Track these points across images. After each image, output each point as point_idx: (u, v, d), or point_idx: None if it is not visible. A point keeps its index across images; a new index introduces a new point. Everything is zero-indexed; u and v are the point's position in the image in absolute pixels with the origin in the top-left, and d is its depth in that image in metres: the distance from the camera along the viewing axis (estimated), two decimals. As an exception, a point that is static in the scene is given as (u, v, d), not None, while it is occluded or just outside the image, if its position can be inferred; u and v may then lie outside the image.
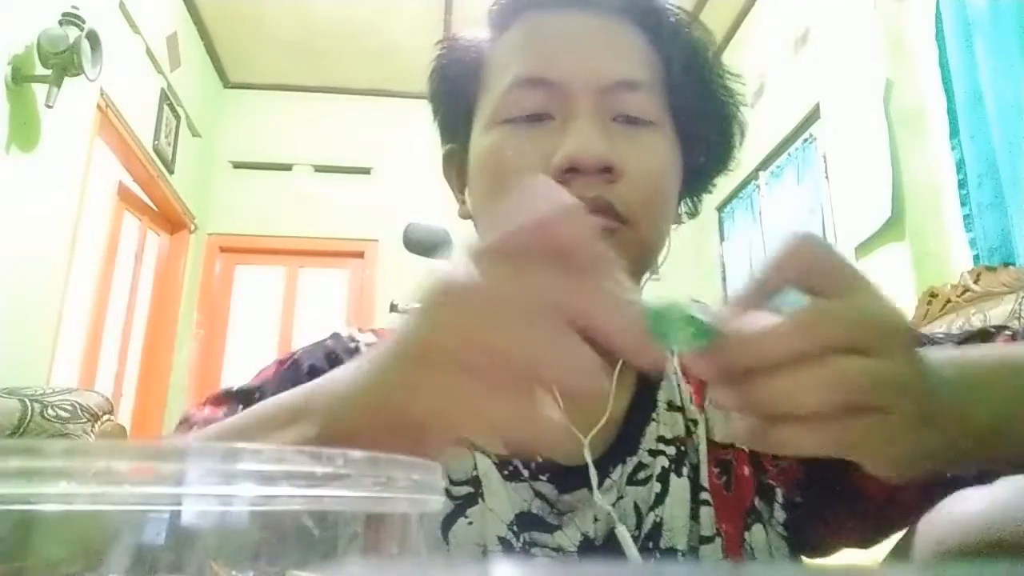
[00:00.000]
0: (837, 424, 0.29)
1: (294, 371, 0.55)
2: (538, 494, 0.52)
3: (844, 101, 2.69)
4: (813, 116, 2.94)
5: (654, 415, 0.56)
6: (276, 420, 0.34)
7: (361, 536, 0.20)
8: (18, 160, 2.31)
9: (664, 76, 0.55)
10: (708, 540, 0.52)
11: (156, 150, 3.45)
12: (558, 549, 0.50)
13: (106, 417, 1.32)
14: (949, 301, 1.23)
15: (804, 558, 0.56)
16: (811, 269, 0.31)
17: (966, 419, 0.33)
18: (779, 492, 0.54)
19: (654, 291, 0.39)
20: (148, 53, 3.31)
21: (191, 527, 0.17)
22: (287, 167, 4.41)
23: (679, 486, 0.53)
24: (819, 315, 0.30)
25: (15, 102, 2.28)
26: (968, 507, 0.42)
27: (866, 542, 0.53)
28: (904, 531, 0.47)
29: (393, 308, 2.21)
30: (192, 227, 4.04)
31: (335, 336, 0.59)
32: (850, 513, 0.52)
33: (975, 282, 1.20)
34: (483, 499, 0.51)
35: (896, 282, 2.23)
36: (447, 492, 0.50)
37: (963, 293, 1.22)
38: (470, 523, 0.50)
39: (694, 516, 0.52)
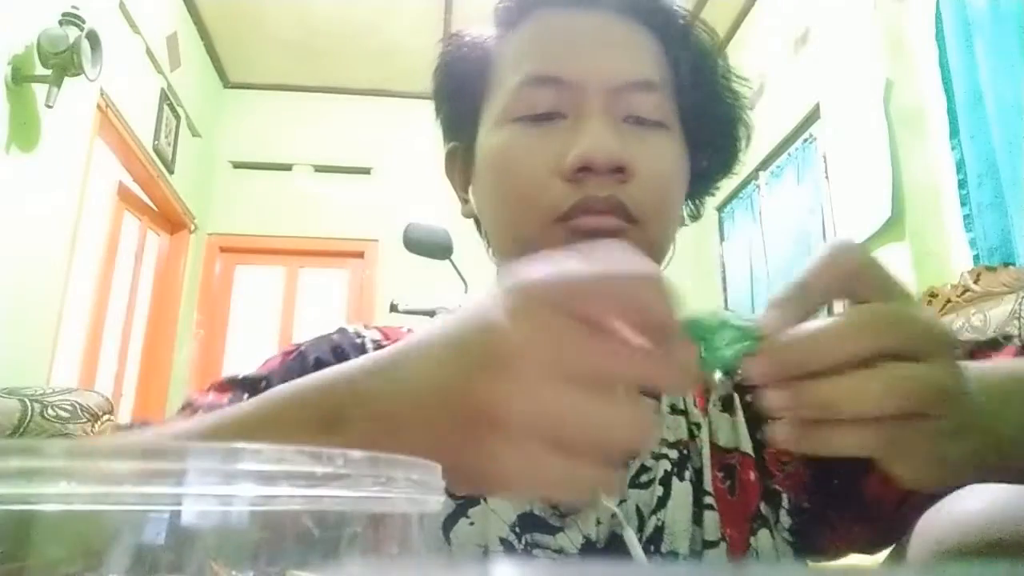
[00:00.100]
0: (885, 427, 0.29)
1: (300, 362, 0.55)
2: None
3: (844, 101, 2.69)
4: (813, 116, 2.94)
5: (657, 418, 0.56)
6: (301, 413, 0.32)
7: (361, 536, 0.20)
8: (18, 160, 2.31)
9: (673, 78, 0.55)
10: (712, 545, 0.51)
11: (156, 150, 3.45)
12: (560, 551, 0.50)
13: (106, 417, 1.32)
14: (949, 301, 1.23)
15: (809, 563, 0.56)
16: (853, 275, 0.31)
17: (989, 430, 0.33)
18: (785, 497, 0.54)
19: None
20: (148, 53, 3.31)
21: (191, 527, 0.17)
22: (287, 167, 4.41)
23: (681, 490, 0.52)
24: (872, 319, 0.30)
25: (15, 102, 2.28)
26: (968, 507, 0.42)
27: (873, 547, 0.53)
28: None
29: (393, 308, 2.21)
30: (192, 227, 4.04)
31: (341, 331, 0.59)
32: (858, 519, 0.52)
33: (975, 282, 1.20)
34: (485, 499, 0.51)
35: (896, 282, 2.22)
36: (449, 492, 0.50)
37: (963, 293, 1.22)
38: (471, 523, 0.50)
39: (697, 521, 0.52)
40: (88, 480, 0.17)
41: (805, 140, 2.99)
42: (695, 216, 0.63)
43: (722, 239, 3.77)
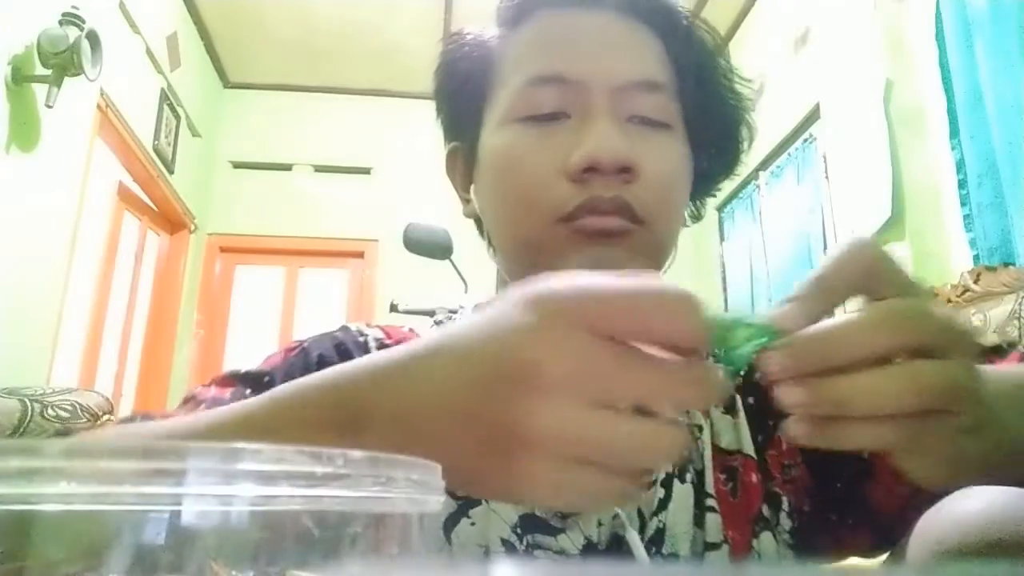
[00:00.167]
0: (903, 424, 0.29)
1: (303, 359, 0.55)
2: None
3: (844, 101, 2.69)
4: (813, 116, 2.94)
5: None
6: (316, 414, 0.32)
7: (361, 536, 0.20)
8: (18, 160, 2.31)
9: (676, 78, 0.55)
10: (714, 547, 0.51)
11: (156, 150, 3.45)
12: (561, 552, 0.50)
13: (106, 417, 1.32)
14: (949, 301, 1.23)
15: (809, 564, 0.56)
16: (870, 272, 0.31)
17: (1003, 429, 0.33)
18: (785, 500, 0.54)
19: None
20: (148, 53, 3.31)
21: (191, 527, 0.17)
22: (287, 167, 4.41)
23: (682, 492, 0.52)
24: (892, 315, 0.29)
25: (15, 102, 2.28)
26: (968, 507, 0.42)
27: (873, 551, 0.53)
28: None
29: (393, 308, 2.21)
30: (192, 227, 4.04)
31: (344, 328, 0.59)
32: (860, 523, 0.52)
33: (975, 282, 1.20)
34: (486, 500, 0.50)
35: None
36: (450, 492, 0.50)
37: (963, 293, 1.22)
38: (473, 524, 0.50)
39: (698, 523, 0.52)
40: (88, 480, 0.17)
41: (805, 140, 2.99)
42: (697, 217, 0.63)
43: (722, 239, 3.77)
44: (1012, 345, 0.52)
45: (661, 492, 0.52)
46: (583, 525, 0.51)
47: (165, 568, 0.17)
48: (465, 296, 2.19)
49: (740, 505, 0.53)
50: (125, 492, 0.17)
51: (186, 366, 3.96)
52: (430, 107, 0.64)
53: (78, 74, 2.38)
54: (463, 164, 0.61)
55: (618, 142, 0.49)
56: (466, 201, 0.61)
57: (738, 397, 0.58)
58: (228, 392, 0.51)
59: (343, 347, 0.56)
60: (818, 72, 2.89)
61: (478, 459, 0.28)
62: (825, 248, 2.78)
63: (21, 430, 1.16)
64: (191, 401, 0.50)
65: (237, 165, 4.40)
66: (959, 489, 0.40)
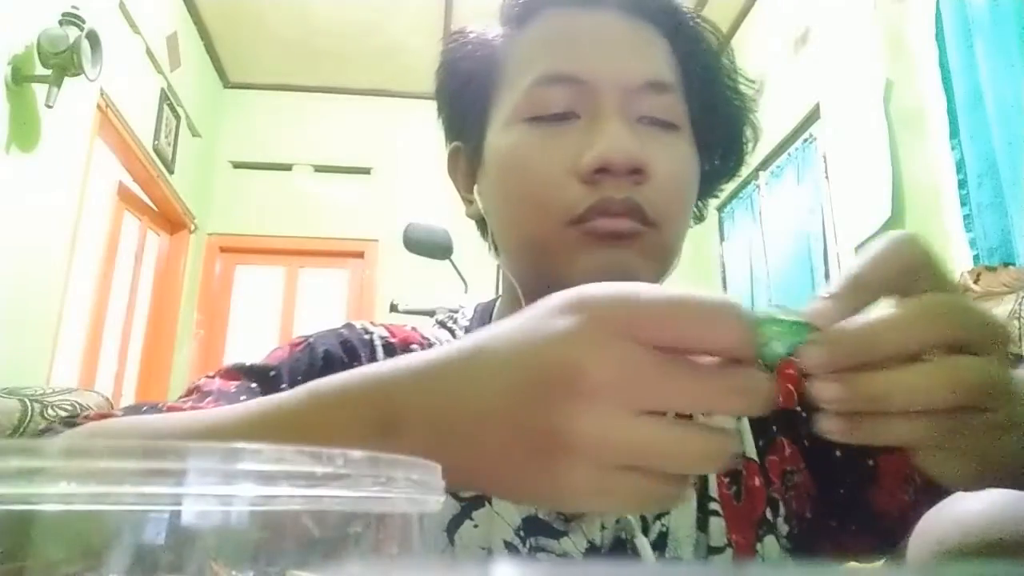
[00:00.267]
0: (939, 420, 0.29)
1: (308, 354, 0.54)
2: None
3: (844, 101, 2.69)
4: (813, 116, 2.94)
5: None
6: (353, 414, 0.31)
7: (361, 536, 0.20)
8: (18, 160, 2.31)
9: (683, 79, 0.54)
10: (718, 550, 0.51)
11: (156, 150, 3.45)
12: (564, 555, 0.50)
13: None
14: (949, 301, 1.23)
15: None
16: (910, 270, 0.30)
17: None
18: (781, 505, 0.54)
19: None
20: (148, 53, 3.31)
21: (191, 527, 0.17)
22: (287, 167, 4.41)
23: None
24: (930, 310, 0.29)
25: (15, 102, 2.28)
26: (969, 507, 0.42)
27: (872, 555, 0.53)
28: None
29: (393, 308, 2.21)
30: (192, 227, 4.04)
31: (348, 326, 0.58)
32: (862, 529, 0.52)
33: (975, 282, 1.20)
34: (490, 502, 0.50)
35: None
36: (453, 494, 0.50)
37: (963, 293, 1.22)
38: (476, 526, 0.50)
39: (702, 527, 0.51)
40: (88, 480, 0.17)
41: (805, 140, 2.99)
42: (699, 218, 0.62)
43: (722, 239, 3.77)
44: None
45: None
46: (586, 528, 0.50)
47: (165, 568, 0.17)
48: (465, 296, 2.19)
49: (744, 509, 0.53)
50: (125, 492, 0.17)
51: (186, 366, 3.96)
52: (430, 107, 0.63)
53: (78, 74, 2.38)
54: (466, 164, 0.60)
55: (630, 143, 0.48)
56: (469, 202, 0.60)
57: None
58: (234, 385, 0.50)
59: (349, 344, 0.56)
60: (818, 72, 2.89)
61: (518, 463, 0.28)
62: (825, 248, 2.79)
63: (21, 430, 1.16)
64: (196, 392, 0.50)
65: (237, 165, 4.40)
66: (978, 488, 0.40)
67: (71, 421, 0.41)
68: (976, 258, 2.02)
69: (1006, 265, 1.79)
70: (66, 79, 2.35)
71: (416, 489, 0.21)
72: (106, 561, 0.17)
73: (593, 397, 0.26)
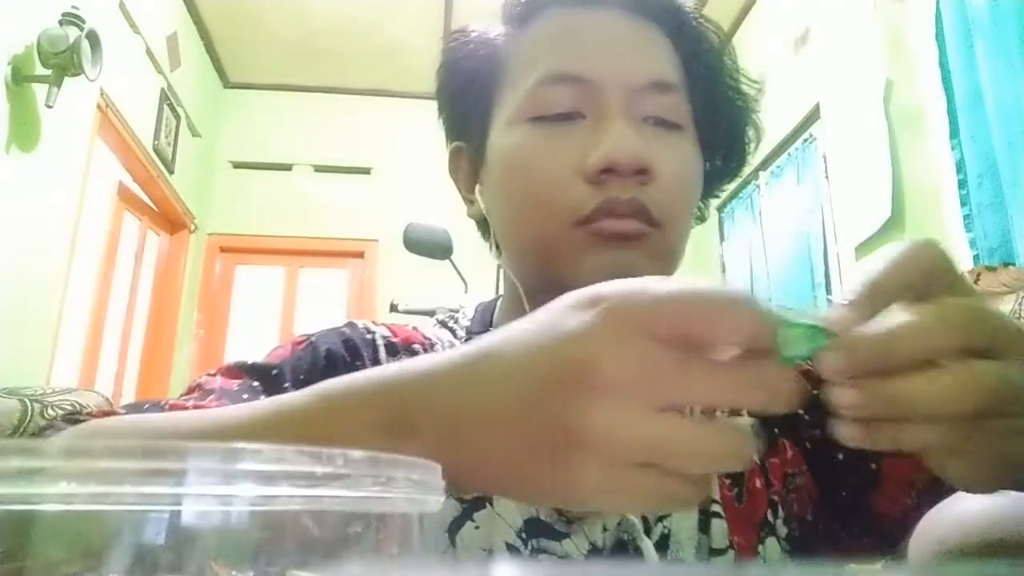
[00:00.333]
0: (959, 425, 0.28)
1: (311, 353, 0.54)
2: None
3: (844, 101, 2.69)
4: (813, 116, 2.94)
5: None
6: (367, 415, 0.30)
7: (361, 536, 0.20)
8: (18, 160, 2.31)
9: (686, 79, 0.54)
10: (720, 552, 0.51)
11: (156, 150, 3.45)
12: (565, 557, 0.50)
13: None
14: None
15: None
16: (928, 276, 0.30)
17: None
18: (781, 507, 0.54)
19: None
20: (148, 53, 3.31)
21: (191, 527, 0.17)
22: (287, 167, 4.41)
23: None
24: (950, 316, 0.29)
25: (15, 102, 2.28)
26: (969, 507, 0.42)
27: (876, 556, 0.53)
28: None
29: (393, 308, 2.21)
30: (192, 227, 4.04)
31: (350, 324, 0.58)
32: (863, 532, 0.52)
33: (975, 282, 1.20)
34: (491, 503, 0.50)
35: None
36: (454, 495, 0.50)
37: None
38: (477, 527, 0.49)
39: (704, 528, 0.51)
40: (88, 480, 0.17)
41: (805, 140, 2.99)
42: (700, 219, 0.62)
43: (722, 239, 3.77)
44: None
45: None
46: (588, 530, 0.50)
47: (165, 568, 0.17)
48: (465, 296, 2.19)
49: (745, 510, 0.53)
50: (125, 492, 0.17)
51: (186, 366, 3.96)
52: (431, 107, 0.63)
53: (78, 74, 2.38)
54: (468, 164, 0.59)
55: (636, 143, 0.48)
56: (470, 202, 0.59)
57: None
58: (236, 383, 0.50)
59: (351, 343, 0.55)
60: (818, 72, 2.89)
61: (529, 463, 0.27)
62: (825, 248, 2.79)
63: (21, 430, 1.16)
64: (197, 390, 0.49)
65: (237, 165, 4.40)
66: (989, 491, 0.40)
67: (73, 418, 0.41)
68: (976, 258, 2.02)
69: (1006, 265, 1.79)
70: (66, 79, 2.35)
71: (416, 489, 0.21)
72: (106, 561, 0.17)
73: (608, 393, 0.26)
